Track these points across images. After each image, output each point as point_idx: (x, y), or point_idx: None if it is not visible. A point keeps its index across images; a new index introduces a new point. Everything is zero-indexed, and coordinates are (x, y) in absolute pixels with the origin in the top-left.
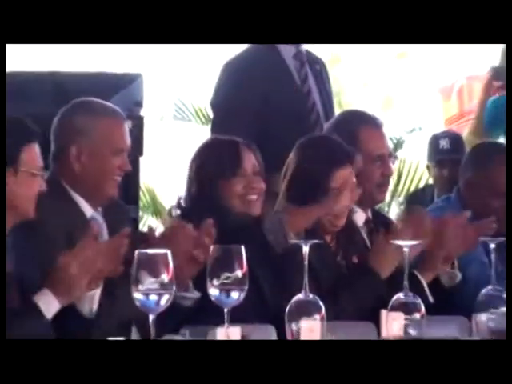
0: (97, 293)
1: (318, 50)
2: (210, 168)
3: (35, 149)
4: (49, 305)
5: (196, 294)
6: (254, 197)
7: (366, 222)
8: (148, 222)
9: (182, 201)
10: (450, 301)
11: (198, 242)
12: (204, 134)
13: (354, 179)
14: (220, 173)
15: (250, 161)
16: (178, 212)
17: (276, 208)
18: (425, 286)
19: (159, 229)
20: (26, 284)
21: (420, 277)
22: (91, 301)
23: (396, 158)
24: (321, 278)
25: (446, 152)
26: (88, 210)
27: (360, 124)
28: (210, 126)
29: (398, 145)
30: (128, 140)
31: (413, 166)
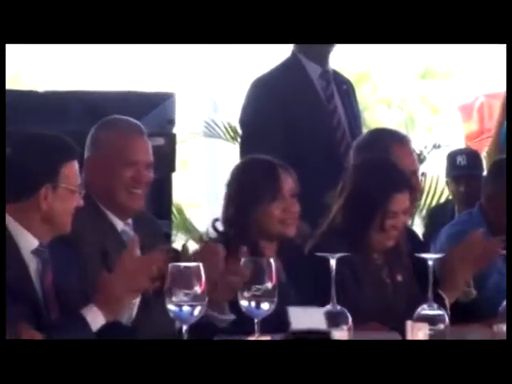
0: (135, 303)
1: (345, 69)
2: (249, 192)
3: (75, 166)
4: (95, 319)
5: (231, 317)
6: (291, 219)
7: None
8: (178, 239)
9: (217, 223)
10: (471, 313)
11: (235, 269)
12: (233, 150)
13: (409, 204)
14: (259, 197)
15: (288, 183)
16: (212, 236)
17: (329, 224)
18: (447, 305)
19: (192, 247)
20: (66, 296)
21: (444, 296)
22: (130, 310)
23: (424, 174)
24: (366, 290)
25: (462, 168)
26: (118, 223)
27: (392, 141)
28: (238, 142)
29: (420, 160)
30: (145, 154)
31: (434, 181)
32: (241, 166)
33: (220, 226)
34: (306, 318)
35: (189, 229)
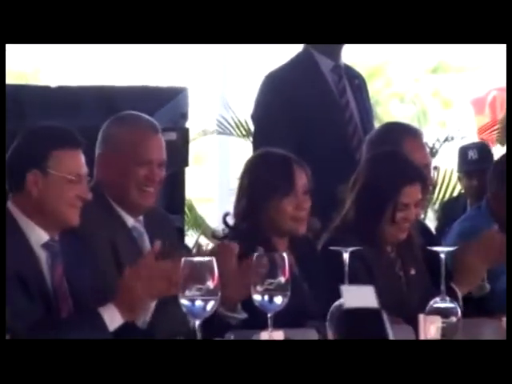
0: (151, 306)
1: (358, 64)
2: (263, 186)
3: (71, 154)
4: (113, 319)
5: (243, 315)
6: (303, 216)
7: None
8: (190, 234)
9: (228, 218)
10: (483, 307)
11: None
12: (244, 146)
13: (420, 196)
14: (273, 191)
15: (302, 180)
16: (222, 233)
17: (343, 218)
18: (459, 298)
19: (204, 243)
20: (77, 291)
21: (457, 289)
22: (145, 313)
23: (436, 168)
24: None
25: (474, 162)
26: (128, 219)
27: (404, 135)
28: (250, 138)
29: (432, 154)
30: (159, 152)
31: (447, 175)
32: (255, 158)
33: (231, 220)
34: (359, 296)
35: (200, 225)
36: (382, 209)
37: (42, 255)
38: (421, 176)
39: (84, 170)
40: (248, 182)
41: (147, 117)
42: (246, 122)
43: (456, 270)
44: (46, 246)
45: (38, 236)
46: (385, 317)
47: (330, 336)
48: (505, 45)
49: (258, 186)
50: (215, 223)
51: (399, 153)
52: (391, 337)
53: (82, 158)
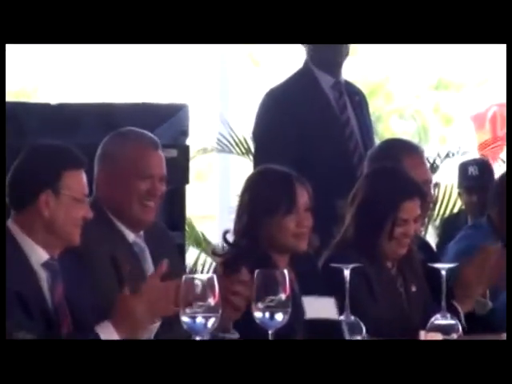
0: (156, 326)
1: (358, 80)
2: (264, 202)
3: (80, 175)
4: (109, 338)
5: (235, 335)
6: (304, 233)
7: None
8: (190, 251)
9: (228, 235)
10: (484, 323)
11: (234, 290)
12: (245, 163)
13: (419, 211)
14: (274, 209)
15: (303, 197)
16: (222, 250)
17: (343, 235)
18: (462, 315)
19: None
20: (77, 309)
21: (458, 307)
22: (149, 332)
23: (437, 184)
24: (380, 300)
25: (474, 178)
26: (129, 234)
27: (404, 152)
28: (250, 156)
29: (433, 170)
30: (160, 167)
31: (447, 191)
32: (256, 175)
33: (231, 238)
34: (320, 308)
35: (201, 242)
36: (381, 224)
37: (43, 274)
38: (420, 191)
39: (87, 189)
40: (249, 198)
41: (147, 133)
42: (245, 140)
43: (455, 286)
44: (46, 265)
45: (38, 255)
46: (344, 328)
47: None
48: (504, 46)
49: (260, 203)
50: (216, 240)
51: (398, 168)
52: None
53: (85, 178)
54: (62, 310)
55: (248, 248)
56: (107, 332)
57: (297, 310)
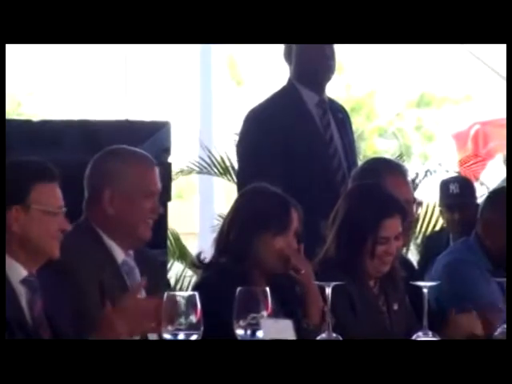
0: None
1: (341, 97)
2: (258, 220)
3: (51, 188)
4: None
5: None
6: (288, 258)
7: None
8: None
9: (202, 255)
10: None
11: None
12: (224, 183)
13: (401, 229)
14: (267, 227)
15: (295, 221)
16: (204, 260)
17: (324, 253)
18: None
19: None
20: (58, 327)
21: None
22: None
23: (420, 204)
24: (362, 318)
25: (455, 196)
26: (119, 254)
27: (385, 171)
28: (228, 176)
29: (414, 188)
30: (158, 184)
31: (429, 209)
32: (252, 192)
33: (207, 256)
34: (277, 329)
35: (186, 256)
36: (362, 243)
37: (22, 291)
38: (400, 208)
39: (62, 201)
40: (242, 214)
41: (140, 150)
42: (223, 160)
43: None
44: (24, 281)
45: (17, 272)
46: None
47: None
48: (487, 74)
49: (253, 220)
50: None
51: (377, 186)
52: None
53: (59, 191)
54: (41, 326)
55: (228, 265)
56: None
57: None
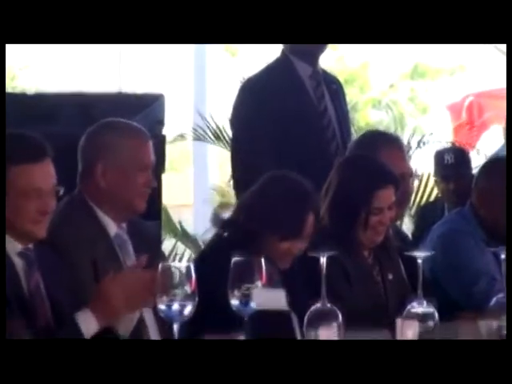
0: (135, 316)
1: (334, 71)
2: (268, 222)
3: (26, 169)
4: (89, 326)
5: None
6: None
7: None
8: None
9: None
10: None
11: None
12: (219, 153)
13: (394, 198)
14: (274, 232)
15: (308, 229)
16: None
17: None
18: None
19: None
20: (54, 300)
21: None
22: (129, 322)
23: (417, 176)
24: (357, 288)
25: (450, 166)
26: (112, 227)
27: (381, 144)
28: (221, 143)
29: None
30: (152, 157)
31: (423, 180)
32: (268, 184)
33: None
34: (270, 299)
35: (176, 231)
36: (355, 214)
37: (19, 262)
38: (393, 178)
39: (47, 183)
40: (253, 210)
41: (134, 123)
42: (218, 127)
43: None
44: (21, 254)
45: (13, 245)
46: (294, 319)
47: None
48: (480, 46)
49: (261, 220)
50: (192, 229)
51: (369, 156)
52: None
53: (46, 170)
54: (38, 298)
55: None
56: (86, 319)
57: None
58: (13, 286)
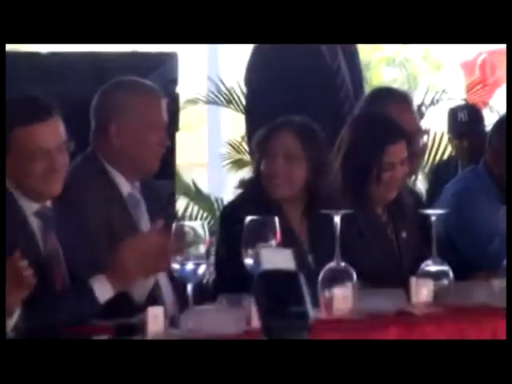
0: (150, 281)
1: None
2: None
3: (34, 129)
4: (103, 291)
5: None
6: None
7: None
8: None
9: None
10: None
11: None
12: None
13: (406, 154)
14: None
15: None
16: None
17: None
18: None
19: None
20: (70, 259)
21: None
22: (144, 287)
23: (426, 132)
24: (371, 247)
25: (464, 124)
26: (126, 187)
27: (389, 101)
28: (233, 105)
29: (420, 117)
30: (165, 116)
31: (437, 138)
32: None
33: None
34: (276, 259)
35: (189, 191)
36: (367, 170)
37: (35, 223)
38: (404, 134)
39: (53, 141)
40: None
41: (148, 82)
42: (229, 90)
43: None
44: (37, 214)
45: (29, 205)
46: (302, 280)
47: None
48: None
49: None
50: (206, 188)
51: (379, 113)
52: (308, 299)
53: (52, 129)
54: (55, 259)
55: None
56: (101, 285)
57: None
58: (30, 247)
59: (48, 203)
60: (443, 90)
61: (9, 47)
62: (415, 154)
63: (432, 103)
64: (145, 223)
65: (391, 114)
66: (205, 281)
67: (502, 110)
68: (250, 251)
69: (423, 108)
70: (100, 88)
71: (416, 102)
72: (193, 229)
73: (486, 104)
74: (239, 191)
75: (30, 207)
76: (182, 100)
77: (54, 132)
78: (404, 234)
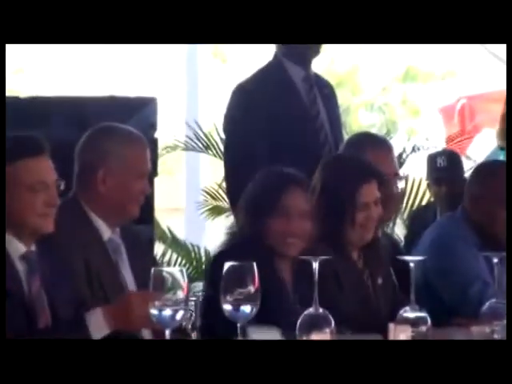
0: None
1: (325, 74)
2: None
3: (24, 165)
4: (100, 330)
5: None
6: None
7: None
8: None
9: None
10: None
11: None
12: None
13: (378, 194)
14: (262, 211)
15: (289, 201)
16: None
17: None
18: None
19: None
20: (55, 301)
21: None
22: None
23: (403, 178)
24: (348, 293)
25: (443, 170)
26: (106, 231)
27: (368, 146)
28: (210, 152)
29: (400, 164)
30: (149, 165)
31: (415, 184)
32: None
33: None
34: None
35: (165, 237)
36: (342, 211)
37: (20, 267)
38: (375, 173)
39: (50, 176)
40: (244, 198)
41: (135, 130)
42: (206, 136)
43: None
44: (23, 257)
45: (15, 248)
46: None
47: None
48: (472, 48)
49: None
50: (182, 234)
51: (352, 155)
52: None
53: (47, 165)
54: (39, 302)
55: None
56: (97, 323)
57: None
58: (15, 291)
59: (33, 247)
60: (426, 138)
61: None
62: (392, 198)
63: (413, 150)
64: (125, 268)
65: (369, 157)
66: (183, 326)
67: (480, 157)
68: (228, 297)
69: (404, 155)
70: (84, 133)
71: (397, 149)
72: (171, 274)
73: (464, 151)
74: (227, 240)
75: (16, 250)
76: (160, 145)
77: (49, 167)
78: (380, 281)
